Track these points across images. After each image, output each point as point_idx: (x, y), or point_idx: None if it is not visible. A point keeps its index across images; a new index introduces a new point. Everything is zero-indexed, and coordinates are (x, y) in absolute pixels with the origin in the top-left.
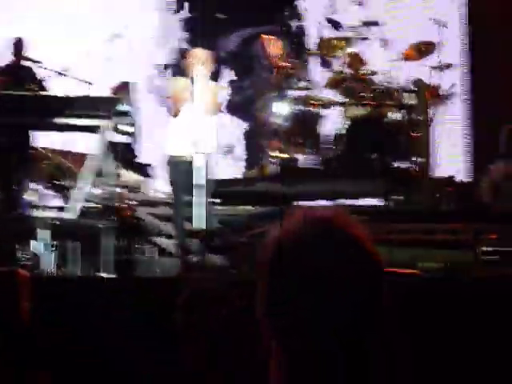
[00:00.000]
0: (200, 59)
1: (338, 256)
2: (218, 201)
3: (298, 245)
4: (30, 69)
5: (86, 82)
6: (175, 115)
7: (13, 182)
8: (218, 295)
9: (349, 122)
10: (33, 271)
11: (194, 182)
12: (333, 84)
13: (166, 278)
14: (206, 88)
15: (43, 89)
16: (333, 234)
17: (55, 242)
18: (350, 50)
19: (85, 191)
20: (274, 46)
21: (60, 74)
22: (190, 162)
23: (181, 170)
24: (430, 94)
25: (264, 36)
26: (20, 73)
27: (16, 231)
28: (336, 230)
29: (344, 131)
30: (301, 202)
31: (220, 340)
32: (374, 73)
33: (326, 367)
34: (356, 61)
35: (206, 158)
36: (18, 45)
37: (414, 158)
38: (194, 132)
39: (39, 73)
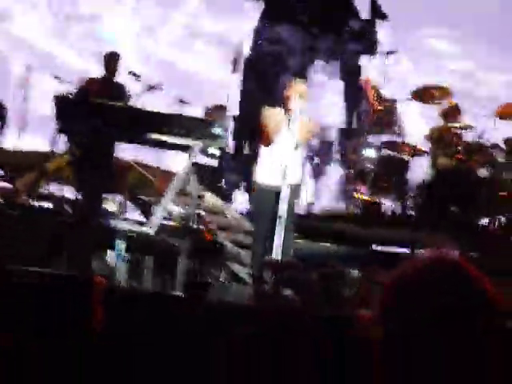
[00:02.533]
0: (299, 92)
1: (463, 296)
2: (296, 234)
3: (425, 282)
4: (122, 85)
5: (179, 101)
6: (268, 144)
7: (95, 191)
8: None
9: (435, 172)
10: (107, 281)
11: (276, 213)
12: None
13: (236, 305)
14: (301, 121)
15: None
16: (459, 275)
17: (129, 255)
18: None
19: (166, 208)
20: (372, 89)
21: (154, 88)
22: (276, 192)
23: (265, 199)
24: None
25: (366, 79)
26: (115, 85)
27: (94, 240)
28: (462, 273)
29: (429, 181)
30: (378, 247)
31: None
32: (468, 127)
33: None
34: (454, 112)
35: (292, 189)
36: (115, 58)
37: (496, 216)
38: (284, 163)
39: (134, 86)
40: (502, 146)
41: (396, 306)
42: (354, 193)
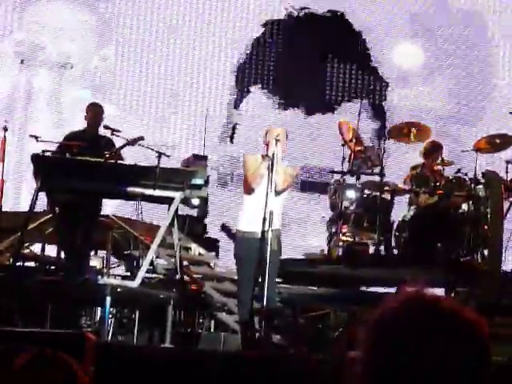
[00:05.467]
0: (277, 137)
1: (448, 347)
2: (281, 279)
3: (403, 330)
4: (106, 137)
5: (159, 153)
6: (249, 191)
7: (80, 248)
8: None
9: (416, 210)
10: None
11: (260, 259)
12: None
13: (226, 354)
14: (280, 166)
15: (119, 157)
16: (442, 318)
17: (115, 309)
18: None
19: (150, 261)
20: (349, 130)
21: (134, 143)
22: (259, 239)
23: (249, 246)
24: (505, 188)
25: (341, 120)
26: (97, 139)
27: (81, 297)
28: (445, 314)
29: (410, 218)
30: (363, 287)
31: None
32: (448, 163)
33: None
34: (432, 149)
35: (274, 235)
36: (98, 111)
37: (479, 251)
38: (266, 209)
39: (115, 141)
40: (481, 179)
41: (376, 346)
42: (338, 234)
